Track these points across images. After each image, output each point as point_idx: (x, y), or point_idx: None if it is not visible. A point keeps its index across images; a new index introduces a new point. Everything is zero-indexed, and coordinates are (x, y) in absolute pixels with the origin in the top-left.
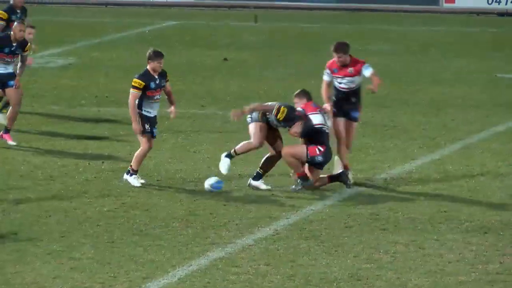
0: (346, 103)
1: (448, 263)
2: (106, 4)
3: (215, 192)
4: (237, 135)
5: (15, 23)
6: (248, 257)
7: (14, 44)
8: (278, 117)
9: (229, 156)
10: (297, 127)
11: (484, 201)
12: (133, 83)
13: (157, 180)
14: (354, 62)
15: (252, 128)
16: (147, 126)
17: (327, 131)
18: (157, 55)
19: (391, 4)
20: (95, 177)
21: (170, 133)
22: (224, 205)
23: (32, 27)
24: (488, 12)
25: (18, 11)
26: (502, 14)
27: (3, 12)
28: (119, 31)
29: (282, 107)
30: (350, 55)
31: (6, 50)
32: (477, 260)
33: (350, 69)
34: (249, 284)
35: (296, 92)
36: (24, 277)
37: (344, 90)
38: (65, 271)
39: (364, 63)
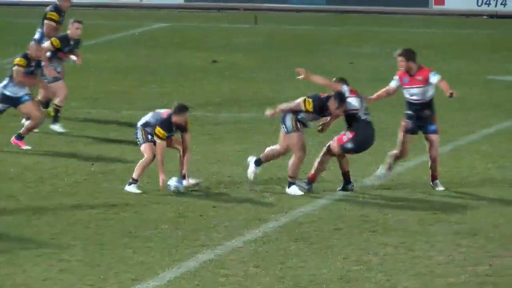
0: (420, 117)
1: (438, 265)
2: (96, 6)
3: (204, 194)
4: (227, 136)
5: (33, 42)
6: (238, 259)
7: (33, 64)
8: (307, 109)
9: (292, 182)
10: (333, 105)
11: (474, 203)
12: (157, 133)
13: (147, 182)
14: (421, 70)
15: (291, 140)
16: (150, 137)
17: (363, 117)
18: (181, 111)
19: (382, 6)
20: (85, 179)
21: None
22: (214, 207)
23: (79, 22)
24: (477, 14)
25: (63, 13)
26: (491, 16)
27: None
28: (111, 33)
29: (306, 99)
30: (418, 65)
31: (27, 71)
32: (467, 262)
33: (419, 78)
34: (239, 286)
35: (334, 79)
36: (15, 279)
37: (417, 102)
38: (54, 273)
39: (431, 70)
